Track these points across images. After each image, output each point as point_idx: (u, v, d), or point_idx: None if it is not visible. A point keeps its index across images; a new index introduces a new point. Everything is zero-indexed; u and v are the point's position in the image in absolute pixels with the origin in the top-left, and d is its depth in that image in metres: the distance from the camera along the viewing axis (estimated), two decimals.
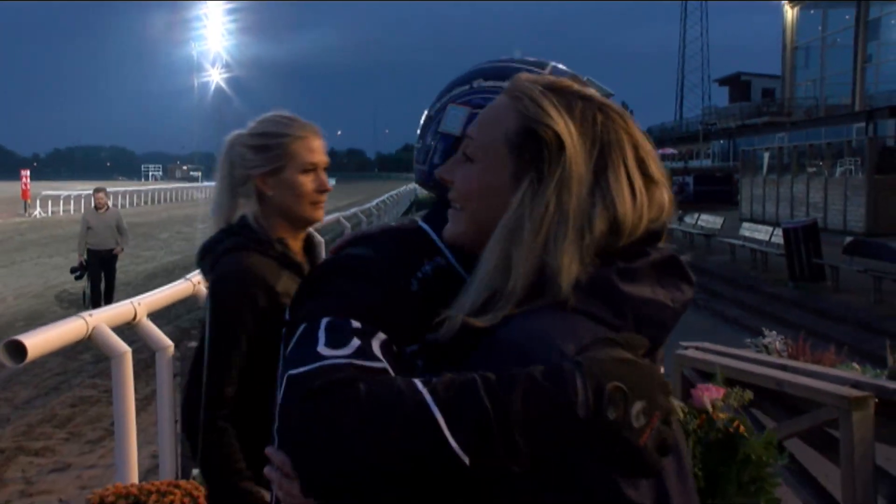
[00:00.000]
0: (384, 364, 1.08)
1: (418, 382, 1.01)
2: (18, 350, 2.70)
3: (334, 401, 1.01)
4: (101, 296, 12.92)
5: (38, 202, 42.89)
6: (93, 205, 13.52)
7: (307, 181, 2.21)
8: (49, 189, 50.50)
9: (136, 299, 3.74)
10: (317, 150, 2.24)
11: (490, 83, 1.34)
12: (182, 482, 2.45)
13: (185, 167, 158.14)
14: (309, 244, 2.32)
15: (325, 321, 1.13)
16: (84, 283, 13.32)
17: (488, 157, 1.19)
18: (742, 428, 1.55)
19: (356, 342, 1.09)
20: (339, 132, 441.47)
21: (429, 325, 1.15)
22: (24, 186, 45.02)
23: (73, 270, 13.34)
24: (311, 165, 2.22)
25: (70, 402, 8.11)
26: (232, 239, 2.18)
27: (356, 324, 1.12)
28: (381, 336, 1.12)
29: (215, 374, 2.06)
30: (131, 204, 51.57)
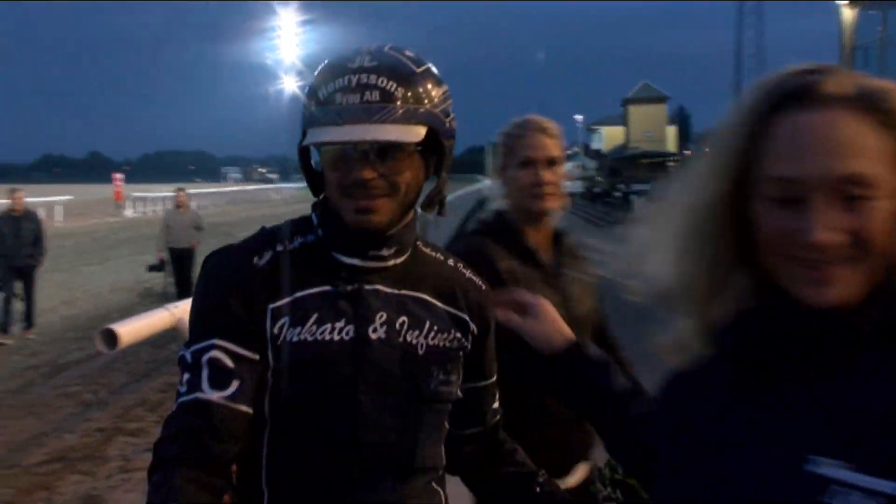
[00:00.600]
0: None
1: None
2: (112, 338, 2.86)
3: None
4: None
5: (129, 203, 43.89)
6: (174, 205, 13.67)
7: (524, 175, 2.29)
8: (139, 191, 51.67)
9: None
10: (537, 146, 2.30)
11: None
12: None
13: (261, 169, 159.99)
14: (557, 235, 2.40)
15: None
16: (163, 279, 13.44)
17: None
18: None
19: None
20: None
21: (275, 286, 1.40)
22: (116, 189, 46.28)
23: (151, 267, 13.47)
24: (527, 160, 2.30)
25: (160, 388, 8.36)
26: (477, 224, 2.40)
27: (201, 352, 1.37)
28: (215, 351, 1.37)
29: None
30: (213, 205, 52.41)
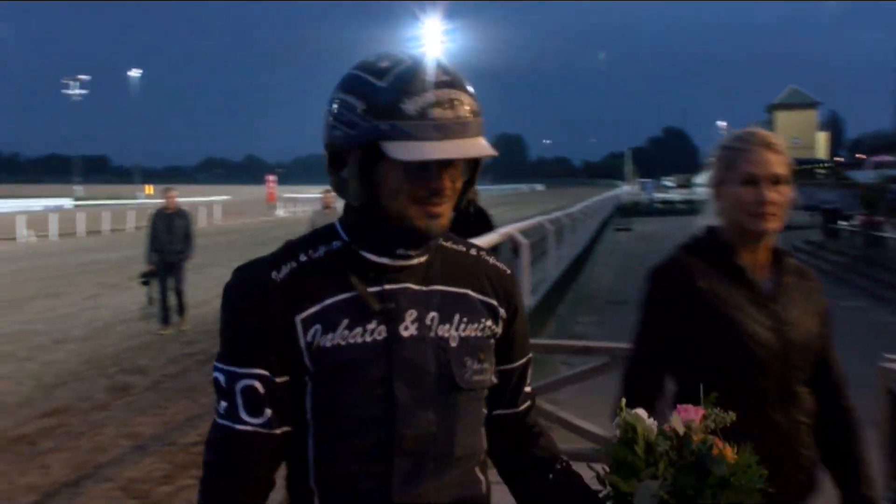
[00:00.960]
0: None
1: None
2: None
3: None
4: None
5: (280, 204, 45.40)
6: (320, 206, 13.44)
7: (745, 193, 2.10)
8: (290, 192, 53.37)
9: None
10: (761, 162, 2.10)
11: None
12: None
13: None
14: (777, 254, 2.19)
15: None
16: None
17: None
18: (725, 450, 1.36)
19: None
20: (548, 141, 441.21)
21: (300, 297, 1.40)
22: (269, 190, 47.98)
23: None
24: (750, 177, 2.10)
25: None
26: (688, 238, 2.24)
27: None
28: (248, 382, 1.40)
29: (633, 346, 2.20)
30: None
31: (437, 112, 1.34)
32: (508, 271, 1.64)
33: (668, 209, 49.01)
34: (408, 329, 1.43)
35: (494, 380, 1.57)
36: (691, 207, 39.20)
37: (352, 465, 1.41)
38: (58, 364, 9.99)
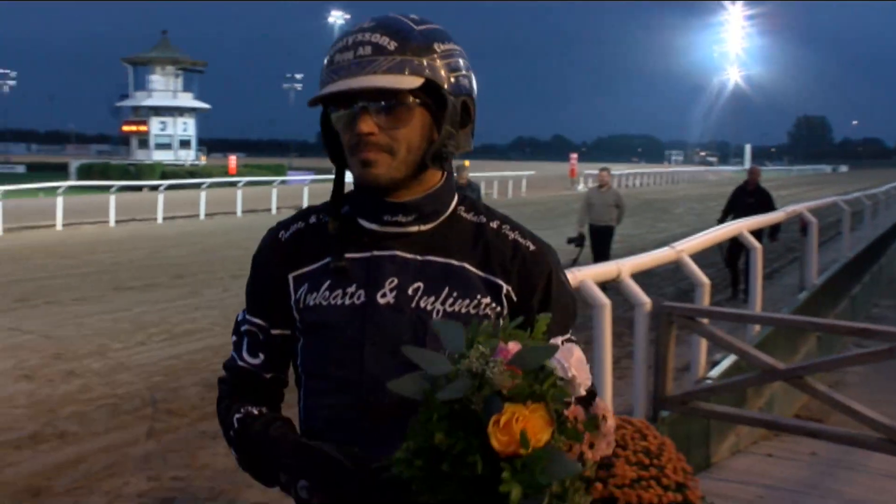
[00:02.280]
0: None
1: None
2: None
3: None
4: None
5: (581, 180, 45.69)
6: (596, 183, 12.84)
7: None
8: (590, 169, 53.44)
9: (620, 261, 3.78)
10: None
11: None
12: (635, 419, 2.40)
13: (702, 153, 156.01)
14: None
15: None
16: (577, 250, 12.56)
17: None
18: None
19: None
20: (856, 122, 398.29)
21: (297, 256, 1.38)
22: (571, 167, 48.62)
23: (569, 240, 12.53)
24: None
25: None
26: None
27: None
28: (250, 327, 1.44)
29: None
30: (655, 183, 52.42)
31: (337, 56, 1.30)
32: (533, 247, 1.41)
33: None
34: (385, 297, 1.33)
35: None
36: None
37: (327, 423, 1.37)
38: None
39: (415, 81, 1.27)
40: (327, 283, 1.36)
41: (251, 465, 1.37)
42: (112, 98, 62.67)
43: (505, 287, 1.37)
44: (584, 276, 3.32)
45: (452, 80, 1.32)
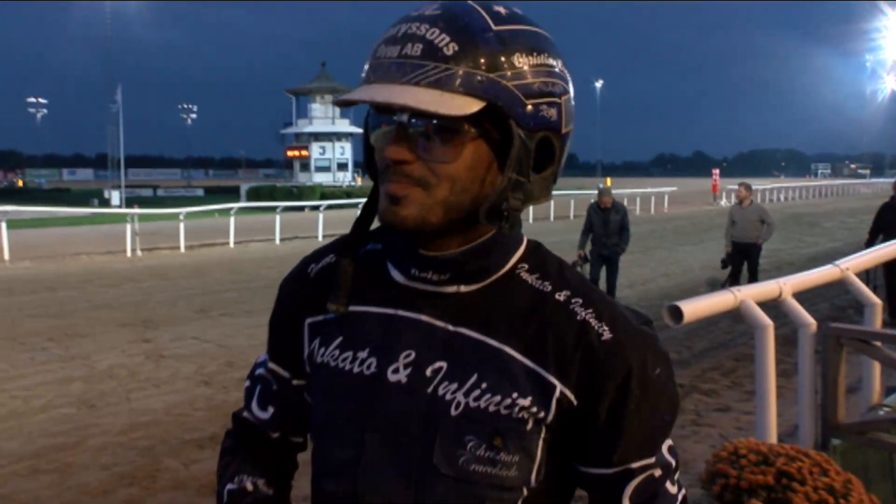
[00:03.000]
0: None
1: None
2: (678, 314, 2.76)
3: None
4: (738, 283, 11.11)
5: (723, 195, 44.00)
6: (737, 200, 12.03)
7: None
8: (731, 184, 51.27)
9: (781, 280, 3.51)
10: None
11: None
12: (812, 452, 2.18)
13: (853, 165, 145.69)
14: None
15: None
16: (727, 272, 11.86)
17: None
18: None
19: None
20: None
21: (321, 296, 1.05)
22: (714, 182, 46.88)
23: (723, 263, 11.89)
24: None
25: (734, 357, 8.10)
26: None
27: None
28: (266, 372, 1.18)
29: None
30: (801, 197, 49.66)
31: (381, 48, 0.92)
32: (609, 335, 0.97)
33: None
34: (397, 373, 0.99)
35: (531, 482, 0.98)
36: None
37: (326, 498, 1.05)
38: None
39: (470, 105, 0.88)
40: (339, 339, 1.04)
41: None
42: (277, 126, 65.90)
43: (558, 387, 0.96)
44: (745, 295, 3.10)
45: (531, 108, 0.92)
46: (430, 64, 0.88)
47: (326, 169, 59.57)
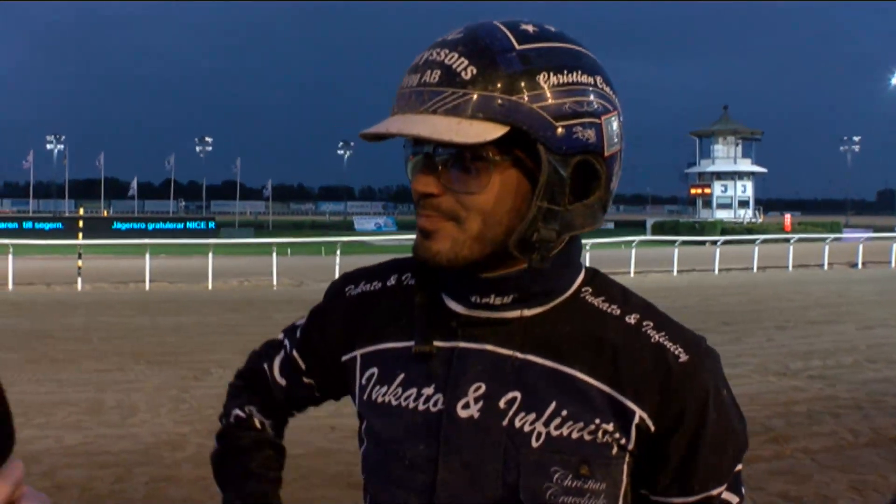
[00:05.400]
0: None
1: None
2: None
3: None
4: None
5: None
6: None
7: None
8: None
9: None
10: None
11: None
12: None
13: None
14: None
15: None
16: None
17: None
18: None
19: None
20: None
21: (365, 325, 0.93)
22: None
23: None
24: None
25: None
26: None
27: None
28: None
29: None
30: None
31: (405, 79, 0.80)
32: (685, 357, 0.83)
33: None
34: (468, 408, 0.84)
35: None
36: None
37: None
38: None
39: (490, 131, 0.76)
40: (401, 376, 0.89)
41: (216, 465, 1.04)
42: (681, 166, 66.01)
43: (637, 413, 0.83)
44: None
45: (562, 130, 0.77)
46: (447, 90, 0.77)
47: (728, 206, 58.18)
